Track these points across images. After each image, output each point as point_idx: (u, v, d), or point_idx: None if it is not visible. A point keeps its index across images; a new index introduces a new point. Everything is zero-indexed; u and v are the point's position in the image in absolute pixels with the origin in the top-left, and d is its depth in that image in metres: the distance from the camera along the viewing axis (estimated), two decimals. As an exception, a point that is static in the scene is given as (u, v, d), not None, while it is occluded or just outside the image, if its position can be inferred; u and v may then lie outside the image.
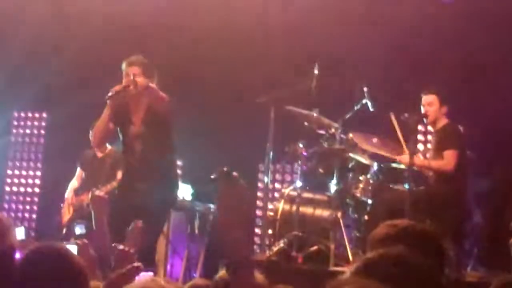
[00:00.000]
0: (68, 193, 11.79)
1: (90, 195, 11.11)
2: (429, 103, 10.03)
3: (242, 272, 3.68)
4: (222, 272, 5.19)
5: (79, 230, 10.87)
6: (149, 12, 12.95)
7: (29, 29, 13.55)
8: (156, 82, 9.23)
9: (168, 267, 10.63)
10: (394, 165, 10.37)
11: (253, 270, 3.85)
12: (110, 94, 8.98)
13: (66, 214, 11.61)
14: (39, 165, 14.51)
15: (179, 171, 10.98)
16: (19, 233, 11.34)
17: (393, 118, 10.23)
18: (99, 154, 11.56)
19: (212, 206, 11.33)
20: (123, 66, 9.17)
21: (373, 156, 10.41)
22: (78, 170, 11.97)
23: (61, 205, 11.91)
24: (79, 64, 13.03)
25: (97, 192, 10.22)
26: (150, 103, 9.20)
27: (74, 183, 11.88)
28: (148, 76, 9.08)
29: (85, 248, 5.28)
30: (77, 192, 11.69)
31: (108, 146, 11.25)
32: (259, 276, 4.99)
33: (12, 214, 14.21)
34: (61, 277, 3.48)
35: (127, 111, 9.22)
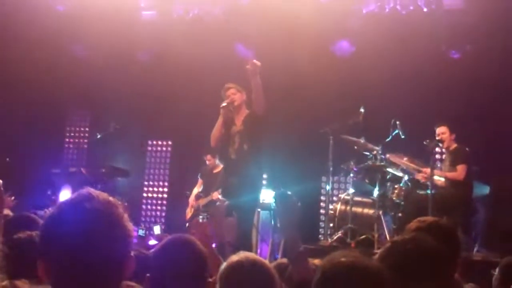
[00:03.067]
0: (191, 198, 11.94)
1: (206, 200, 11.76)
2: (443, 132, 10.19)
3: (299, 260, 4.09)
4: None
5: (201, 218, 11.08)
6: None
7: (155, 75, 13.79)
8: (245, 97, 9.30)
9: (258, 251, 10.54)
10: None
11: (306, 257, 4.23)
12: (222, 105, 9.14)
13: (189, 213, 11.82)
14: (167, 178, 14.58)
15: (264, 182, 11.20)
16: (156, 229, 11.77)
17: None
18: (215, 171, 11.67)
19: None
20: (223, 90, 9.31)
21: (405, 171, 10.50)
22: (199, 180, 12.09)
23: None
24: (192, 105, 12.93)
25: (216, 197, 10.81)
26: (249, 108, 9.26)
27: (195, 190, 12.01)
28: (243, 92, 9.24)
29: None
30: (197, 197, 11.88)
31: (220, 166, 11.19)
32: (315, 261, 5.45)
33: (148, 213, 14.53)
34: (189, 258, 3.48)
35: (232, 118, 9.24)
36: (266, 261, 3.79)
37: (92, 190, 2.33)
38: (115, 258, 2.28)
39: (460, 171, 10.06)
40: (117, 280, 2.34)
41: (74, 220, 2.24)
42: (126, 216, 2.35)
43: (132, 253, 2.38)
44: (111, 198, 2.35)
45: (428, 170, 9.99)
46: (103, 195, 2.33)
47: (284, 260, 5.82)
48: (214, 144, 9.61)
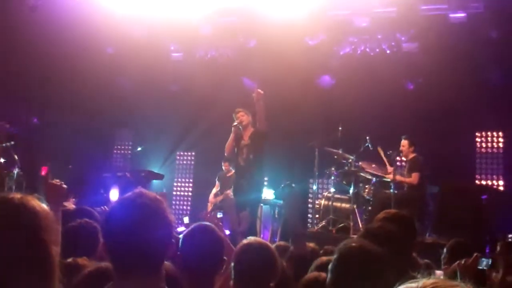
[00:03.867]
0: (210, 196, 11.95)
1: (221, 197, 11.72)
2: (403, 144, 10.21)
3: (299, 241, 4.07)
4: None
5: (219, 214, 11.19)
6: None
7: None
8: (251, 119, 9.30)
9: (261, 235, 10.38)
10: (384, 179, 10.41)
11: (305, 240, 4.19)
12: (234, 124, 9.15)
13: (209, 207, 11.73)
14: (191, 180, 14.49)
15: (265, 183, 11.07)
16: (185, 219, 11.72)
17: (381, 152, 10.43)
18: (228, 174, 11.61)
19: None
20: (234, 113, 9.29)
21: (373, 174, 10.48)
22: (217, 182, 12.07)
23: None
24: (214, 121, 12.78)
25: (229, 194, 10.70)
26: (254, 127, 9.24)
27: (214, 190, 12.00)
28: (249, 115, 9.22)
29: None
30: (215, 195, 11.90)
31: (232, 170, 11.14)
32: (310, 244, 5.44)
33: (177, 207, 14.43)
34: (210, 241, 3.45)
35: (241, 134, 9.24)
36: (269, 243, 3.77)
37: (143, 190, 2.39)
38: (160, 242, 2.31)
39: (414, 177, 10.02)
40: (161, 259, 2.37)
41: (128, 211, 2.31)
42: (168, 209, 2.39)
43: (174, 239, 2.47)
44: (157, 196, 2.39)
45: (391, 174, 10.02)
46: (151, 193, 2.38)
47: (283, 242, 5.88)
48: (227, 154, 9.59)
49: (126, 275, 2.30)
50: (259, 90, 9.01)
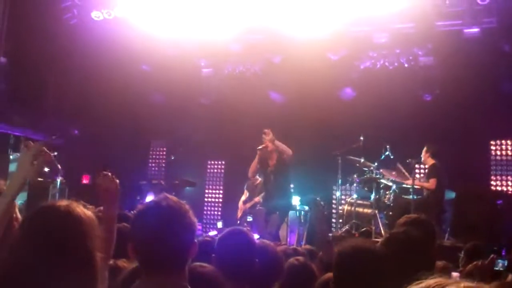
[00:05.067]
0: (240, 203, 11.95)
1: (250, 204, 11.79)
2: (424, 152, 10.30)
3: (327, 247, 4.11)
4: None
5: (250, 218, 11.03)
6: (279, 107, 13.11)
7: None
8: (277, 143, 9.40)
9: (288, 239, 10.44)
10: (404, 185, 10.40)
11: (332, 245, 4.21)
12: (259, 147, 9.28)
13: (239, 213, 11.81)
14: (221, 188, 14.54)
15: (292, 190, 11.22)
16: (219, 224, 11.78)
17: (400, 167, 10.47)
18: (256, 183, 11.55)
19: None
20: (263, 133, 9.40)
21: (393, 181, 10.46)
22: (245, 190, 12.05)
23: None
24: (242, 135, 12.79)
25: (258, 200, 10.77)
26: (278, 155, 9.39)
27: (242, 198, 11.99)
28: (274, 140, 9.27)
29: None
30: (244, 202, 11.89)
31: (259, 179, 11.19)
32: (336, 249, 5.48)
33: (208, 213, 14.48)
34: (242, 243, 3.45)
35: (266, 158, 9.35)
36: (271, 245, 3.87)
37: (167, 194, 2.45)
38: (183, 242, 2.35)
39: (432, 183, 10.03)
40: (184, 259, 2.40)
41: (153, 214, 2.36)
42: (191, 212, 2.43)
43: (196, 240, 2.47)
44: (180, 200, 2.44)
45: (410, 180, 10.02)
46: (174, 198, 2.43)
47: (313, 247, 5.97)
48: (251, 176, 9.88)
49: (152, 274, 2.34)
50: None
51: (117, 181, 3.25)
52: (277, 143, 9.28)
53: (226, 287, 3.05)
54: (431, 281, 1.37)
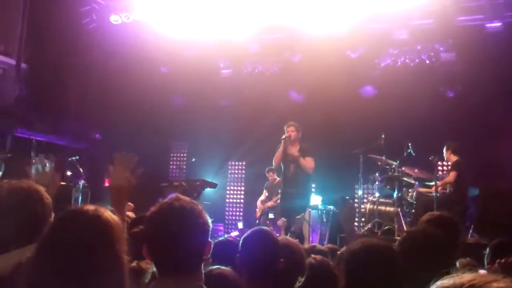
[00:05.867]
0: (258, 202, 12.09)
1: (271, 203, 11.80)
2: (445, 151, 10.21)
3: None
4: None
5: (271, 215, 11.14)
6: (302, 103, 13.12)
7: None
8: (301, 135, 9.48)
9: (310, 239, 10.54)
10: (426, 183, 10.37)
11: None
12: (283, 137, 9.26)
13: (258, 213, 11.92)
14: (242, 188, 14.67)
15: (313, 189, 11.33)
16: (240, 224, 11.79)
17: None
18: (275, 182, 11.71)
19: (331, 207, 11.24)
20: (285, 126, 9.41)
21: (415, 179, 10.43)
22: (264, 190, 12.19)
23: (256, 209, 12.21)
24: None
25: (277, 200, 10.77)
26: (300, 145, 9.40)
27: (261, 197, 12.14)
28: (299, 131, 9.41)
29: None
30: (262, 202, 12.03)
31: (278, 178, 11.30)
32: None
33: (230, 213, 14.56)
34: (265, 244, 3.47)
35: (288, 148, 9.33)
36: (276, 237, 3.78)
37: (179, 195, 2.45)
38: (197, 242, 2.36)
39: (451, 176, 9.96)
40: (199, 260, 2.41)
41: (166, 215, 2.36)
42: (204, 212, 2.43)
43: (218, 240, 2.51)
44: (192, 200, 2.44)
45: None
46: (187, 198, 2.43)
47: (330, 245, 5.94)
48: (276, 164, 9.69)
49: (167, 274, 2.35)
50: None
51: (134, 180, 3.01)
52: (302, 160, 9.28)
53: (250, 286, 3.05)
54: (465, 278, 1.31)
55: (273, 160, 9.58)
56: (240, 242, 3.60)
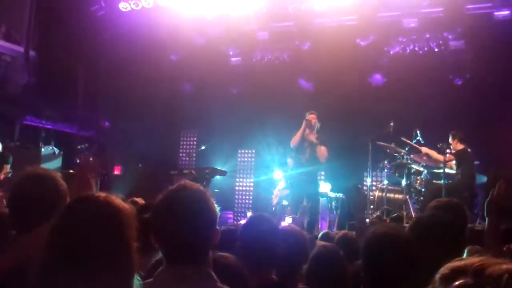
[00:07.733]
0: (275, 190, 12.05)
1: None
2: (451, 140, 10.21)
3: (365, 232, 4.17)
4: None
5: (285, 201, 11.23)
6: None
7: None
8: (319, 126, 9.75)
9: (319, 226, 10.50)
10: (435, 170, 10.45)
11: (367, 229, 4.21)
12: (306, 118, 9.52)
13: (274, 200, 11.90)
14: (252, 176, 14.64)
15: (323, 177, 11.49)
16: (249, 214, 11.85)
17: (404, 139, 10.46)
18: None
19: (340, 194, 11.23)
20: (307, 113, 9.68)
21: (424, 166, 10.49)
22: (283, 179, 12.05)
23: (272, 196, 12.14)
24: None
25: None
26: (319, 133, 9.62)
27: (279, 186, 12.10)
28: (319, 121, 9.64)
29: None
30: (280, 190, 11.95)
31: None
32: None
33: (239, 201, 14.59)
34: (265, 230, 3.48)
35: (307, 132, 9.58)
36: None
37: (187, 182, 2.43)
38: (204, 230, 2.34)
39: (446, 158, 9.93)
40: (207, 247, 2.40)
41: (173, 202, 2.34)
42: (211, 199, 2.40)
43: (220, 228, 2.44)
44: (200, 187, 2.42)
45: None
46: (195, 185, 2.41)
47: (349, 232, 6.05)
48: (293, 144, 9.85)
49: (174, 262, 2.33)
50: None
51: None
52: (318, 148, 9.49)
53: (252, 274, 3.04)
54: (475, 259, 1.34)
55: (291, 140, 9.74)
56: (240, 229, 3.63)
